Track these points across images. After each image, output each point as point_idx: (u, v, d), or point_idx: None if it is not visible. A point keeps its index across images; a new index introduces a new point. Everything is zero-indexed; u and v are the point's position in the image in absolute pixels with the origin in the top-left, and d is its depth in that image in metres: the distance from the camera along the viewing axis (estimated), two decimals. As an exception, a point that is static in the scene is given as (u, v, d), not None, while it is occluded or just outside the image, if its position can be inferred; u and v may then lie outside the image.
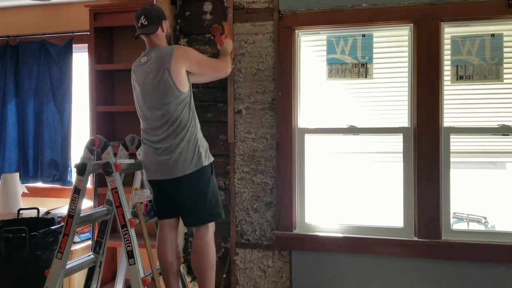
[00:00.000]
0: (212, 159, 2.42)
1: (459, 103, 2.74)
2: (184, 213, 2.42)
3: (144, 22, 2.29)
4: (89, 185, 2.84)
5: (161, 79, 2.27)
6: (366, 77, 2.83)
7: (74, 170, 2.36)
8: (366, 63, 2.82)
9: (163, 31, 2.38)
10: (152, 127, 2.35)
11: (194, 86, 3.05)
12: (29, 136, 3.73)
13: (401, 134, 2.78)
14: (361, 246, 2.79)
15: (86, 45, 3.44)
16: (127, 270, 2.43)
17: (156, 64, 2.28)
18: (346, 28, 2.83)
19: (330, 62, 2.88)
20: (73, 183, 2.27)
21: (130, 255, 2.18)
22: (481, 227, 2.77)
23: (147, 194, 2.43)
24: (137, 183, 2.68)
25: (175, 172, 2.30)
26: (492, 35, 2.67)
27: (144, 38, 2.39)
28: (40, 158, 3.66)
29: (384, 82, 2.82)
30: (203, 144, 2.40)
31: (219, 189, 2.96)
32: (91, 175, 2.68)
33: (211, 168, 2.41)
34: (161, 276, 2.49)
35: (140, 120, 2.44)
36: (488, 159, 2.80)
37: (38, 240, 2.66)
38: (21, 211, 3.17)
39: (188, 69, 2.34)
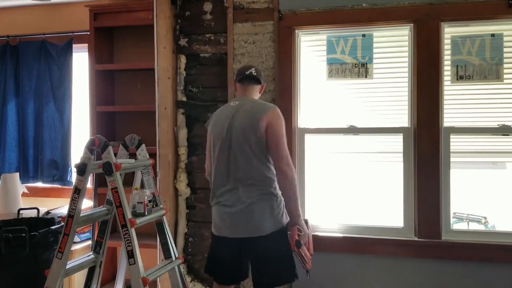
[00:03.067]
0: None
1: (459, 103, 2.74)
2: (260, 273, 2.23)
3: (254, 73, 2.39)
4: (89, 185, 2.84)
5: (248, 125, 2.21)
6: (366, 77, 2.83)
7: (74, 170, 2.36)
8: (366, 63, 2.82)
9: (259, 92, 2.47)
10: (233, 175, 2.21)
11: (194, 86, 3.06)
12: (29, 136, 3.73)
13: (401, 134, 2.78)
14: (361, 246, 2.79)
15: (86, 45, 3.45)
16: (127, 270, 2.43)
17: (250, 111, 2.24)
18: (346, 28, 2.83)
19: (330, 62, 2.88)
20: (73, 183, 2.27)
21: (130, 255, 2.18)
22: (481, 227, 2.77)
23: (147, 194, 2.43)
24: (137, 183, 2.68)
25: (261, 229, 2.16)
26: (492, 35, 2.67)
27: (240, 87, 2.44)
28: (40, 158, 3.67)
29: (384, 82, 2.82)
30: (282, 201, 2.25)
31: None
32: (91, 175, 2.68)
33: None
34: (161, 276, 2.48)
35: (214, 175, 2.30)
36: (488, 159, 2.80)
37: (38, 240, 2.66)
38: (21, 211, 3.17)
39: (266, 131, 2.21)
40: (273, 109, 2.26)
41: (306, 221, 2.34)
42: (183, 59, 3.06)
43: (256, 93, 2.44)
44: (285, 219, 2.23)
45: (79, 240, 3.24)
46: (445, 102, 2.71)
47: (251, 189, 2.19)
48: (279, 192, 2.22)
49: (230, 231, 2.24)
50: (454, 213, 2.77)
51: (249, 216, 2.17)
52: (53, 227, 2.77)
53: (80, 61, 3.67)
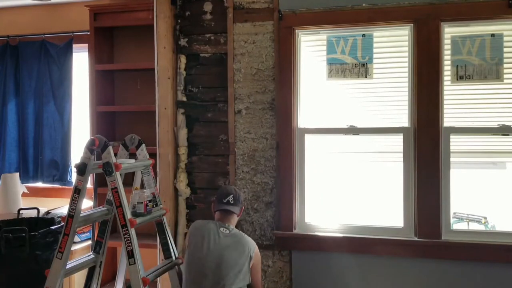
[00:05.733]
0: None
1: (459, 103, 2.74)
2: None
3: (231, 201, 2.51)
4: (89, 185, 2.84)
5: (241, 262, 2.33)
6: (366, 77, 2.83)
7: (74, 170, 2.36)
8: (366, 63, 2.82)
9: (238, 215, 2.56)
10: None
11: (194, 86, 3.06)
12: (29, 136, 3.73)
13: (401, 134, 2.78)
14: (361, 246, 2.79)
15: (86, 45, 3.45)
16: (127, 270, 2.43)
17: (241, 246, 2.38)
18: (346, 28, 2.83)
19: (330, 62, 2.88)
20: (73, 183, 2.27)
21: (130, 255, 2.18)
22: (481, 227, 2.77)
23: (147, 194, 2.43)
24: (137, 183, 2.68)
25: None
26: (492, 35, 2.67)
27: (219, 214, 2.52)
28: (40, 158, 3.67)
29: (384, 82, 2.82)
30: None
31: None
32: (91, 175, 2.68)
33: None
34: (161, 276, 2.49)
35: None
36: (488, 159, 2.80)
37: (38, 240, 2.66)
38: (21, 211, 3.17)
39: (252, 271, 2.40)
40: (257, 249, 2.43)
41: None
42: (183, 59, 3.06)
43: (235, 219, 2.54)
44: None
45: (79, 240, 3.24)
46: (445, 102, 2.71)
47: None
48: None
49: None
50: (454, 213, 2.77)
51: None
52: (53, 227, 2.77)
53: (80, 61, 3.67)
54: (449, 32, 2.71)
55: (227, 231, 2.43)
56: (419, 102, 2.70)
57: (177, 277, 2.51)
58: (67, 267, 2.25)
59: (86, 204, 2.81)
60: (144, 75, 3.33)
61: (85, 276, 2.52)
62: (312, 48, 2.95)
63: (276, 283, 2.94)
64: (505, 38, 2.65)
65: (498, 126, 2.67)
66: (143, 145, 2.58)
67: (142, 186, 2.65)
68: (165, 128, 3.02)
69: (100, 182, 2.80)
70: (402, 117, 2.80)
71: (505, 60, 2.65)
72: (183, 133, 3.06)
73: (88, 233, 3.29)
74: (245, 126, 2.97)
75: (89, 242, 3.12)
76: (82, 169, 2.24)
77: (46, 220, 2.98)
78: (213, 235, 2.41)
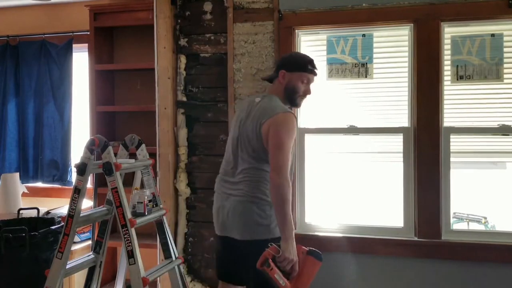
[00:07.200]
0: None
1: (459, 103, 2.74)
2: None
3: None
4: (89, 185, 2.84)
5: (254, 131, 2.16)
6: (366, 77, 2.83)
7: (74, 170, 2.36)
8: (366, 63, 2.82)
9: (280, 81, 2.27)
10: (231, 168, 2.26)
11: (194, 86, 3.06)
12: (29, 136, 3.74)
13: (401, 134, 2.78)
14: (361, 246, 2.79)
15: (86, 45, 3.45)
16: (127, 270, 2.43)
17: (258, 115, 2.18)
18: (346, 28, 2.83)
19: (330, 62, 2.88)
20: (73, 183, 2.27)
21: (130, 255, 2.18)
22: (481, 227, 2.77)
23: (147, 194, 2.43)
24: (137, 183, 2.68)
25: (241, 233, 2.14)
26: (492, 35, 2.67)
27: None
28: (40, 158, 3.67)
29: (384, 82, 2.82)
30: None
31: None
32: (91, 175, 2.68)
33: None
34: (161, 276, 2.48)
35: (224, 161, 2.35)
36: (488, 159, 2.80)
37: (38, 240, 2.66)
38: (21, 211, 3.17)
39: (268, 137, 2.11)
40: (279, 114, 2.11)
41: (305, 251, 2.17)
42: (183, 59, 3.06)
43: (274, 87, 2.31)
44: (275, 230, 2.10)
45: (79, 240, 3.24)
46: (445, 102, 2.71)
47: (243, 188, 2.18)
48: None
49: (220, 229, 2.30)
50: (454, 213, 2.77)
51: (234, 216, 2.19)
52: (53, 227, 2.77)
53: (80, 61, 3.67)
54: (449, 32, 2.71)
55: (259, 99, 2.27)
56: (419, 102, 2.70)
57: None
58: (67, 267, 2.25)
59: (86, 204, 2.80)
60: (144, 75, 3.33)
61: (85, 276, 2.52)
62: (312, 48, 2.95)
63: (276, 283, 2.94)
64: (505, 38, 2.65)
65: (498, 126, 2.67)
66: (143, 145, 2.58)
67: (142, 186, 2.65)
68: (165, 128, 3.02)
69: (100, 182, 2.79)
70: (402, 117, 2.80)
71: (505, 60, 2.65)
72: (183, 133, 3.06)
73: (88, 233, 3.28)
74: (245, 126, 2.96)
75: (89, 242, 3.12)
76: (82, 169, 2.24)
77: (46, 220, 2.98)
78: (246, 104, 2.32)
